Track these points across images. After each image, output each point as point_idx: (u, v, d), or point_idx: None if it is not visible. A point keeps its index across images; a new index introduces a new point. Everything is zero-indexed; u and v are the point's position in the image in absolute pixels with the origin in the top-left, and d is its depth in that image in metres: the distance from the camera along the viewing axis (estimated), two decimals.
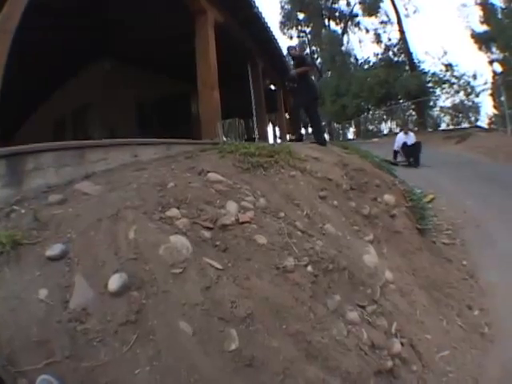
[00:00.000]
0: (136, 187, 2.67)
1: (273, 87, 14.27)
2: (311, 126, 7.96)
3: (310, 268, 2.34)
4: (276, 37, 9.88)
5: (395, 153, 10.98)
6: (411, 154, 10.60)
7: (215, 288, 1.96)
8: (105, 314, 1.75)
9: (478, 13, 25.09)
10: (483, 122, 23.77)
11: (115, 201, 2.45)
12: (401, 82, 23.78)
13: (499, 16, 23.40)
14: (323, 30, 32.45)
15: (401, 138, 11.04)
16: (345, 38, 32.27)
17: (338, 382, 1.87)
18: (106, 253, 2.02)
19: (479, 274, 3.91)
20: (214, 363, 1.69)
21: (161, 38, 7.77)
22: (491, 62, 24.93)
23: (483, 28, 24.96)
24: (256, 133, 9.64)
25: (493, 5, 23.46)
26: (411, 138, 10.87)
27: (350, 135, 30.42)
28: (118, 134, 5.00)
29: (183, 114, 10.09)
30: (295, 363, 1.83)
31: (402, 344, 2.33)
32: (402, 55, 27.24)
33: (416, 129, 10.77)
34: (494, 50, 24.94)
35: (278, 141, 13.63)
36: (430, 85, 24.66)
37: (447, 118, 24.57)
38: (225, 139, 4.33)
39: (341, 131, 31.09)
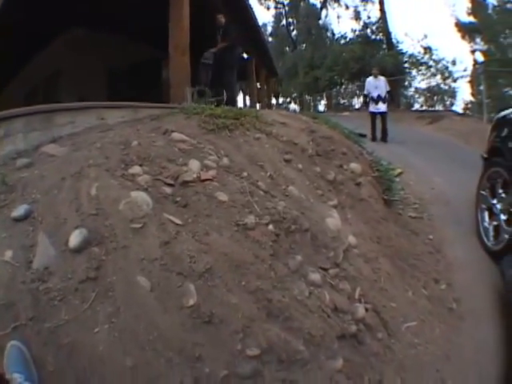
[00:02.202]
0: (100, 146, 2.80)
1: (245, 55, 14.57)
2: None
3: (271, 227, 2.42)
4: (252, 6, 10.24)
5: (365, 96, 11.18)
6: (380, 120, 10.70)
7: (174, 243, 2.04)
8: (66, 271, 1.87)
9: (465, 4, 26.42)
10: (458, 107, 24.58)
11: (79, 160, 2.57)
12: (377, 59, 24.26)
13: (489, 11, 24.69)
14: (301, 3, 33.20)
15: (370, 82, 11.01)
16: (323, 13, 33.07)
17: (301, 344, 1.96)
18: (67, 210, 2.13)
19: (446, 249, 4.02)
20: (172, 320, 1.76)
21: (134, 4, 7.82)
22: (473, 52, 26.13)
23: (469, 19, 26.31)
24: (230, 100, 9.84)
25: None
26: (382, 84, 10.82)
27: (321, 108, 31.30)
28: (89, 100, 5.05)
29: (153, 81, 10.17)
30: (256, 321, 1.91)
31: (366, 309, 2.42)
32: (380, 34, 27.86)
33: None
34: (478, 41, 26.25)
35: None
36: (406, 65, 25.34)
37: (421, 100, 25.35)
38: (193, 104, 4.39)
39: (312, 103, 31.79)
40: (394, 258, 3.34)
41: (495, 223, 3.98)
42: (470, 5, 25.96)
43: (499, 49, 24.41)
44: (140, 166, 2.54)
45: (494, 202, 4.05)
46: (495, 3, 24.42)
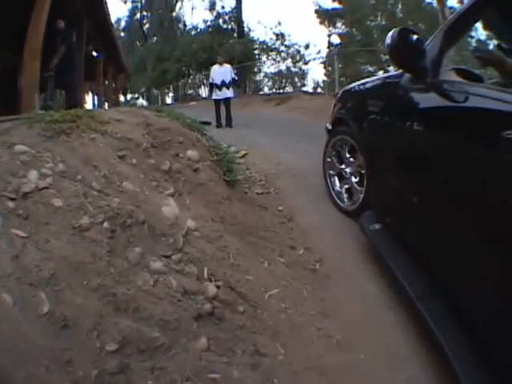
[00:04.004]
0: None
1: (95, 53, 14.20)
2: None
3: (106, 224, 2.49)
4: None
5: (211, 85, 11.50)
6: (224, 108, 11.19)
7: (22, 256, 2.07)
8: None
9: None
10: (309, 87, 26.64)
11: None
12: (225, 47, 25.07)
13: None
14: None
15: (215, 70, 11.40)
16: (178, 5, 33.05)
17: (156, 331, 2.06)
18: None
19: (298, 217, 4.29)
20: (36, 329, 1.80)
21: None
22: (330, 35, 28.70)
23: (333, 5, 29.36)
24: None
25: None
26: (226, 71, 11.27)
27: (169, 100, 32.27)
28: None
29: (12, 90, 9.35)
30: (105, 317, 1.98)
31: (217, 287, 2.57)
32: (233, 23, 28.79)
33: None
34: (338, 25, 29.06)
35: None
36: (256, 52, 26.60)
37: (270, 83, 27.00)
38: (42, 111, 4.20)
39: (160, 97, 32.19)
40: (243, 234, 3.49)
41: (347, 186, 4.40)
42: None
43: (363, 31, 27.44)
44: None
45: (343, 166, 4.46)
46: None
